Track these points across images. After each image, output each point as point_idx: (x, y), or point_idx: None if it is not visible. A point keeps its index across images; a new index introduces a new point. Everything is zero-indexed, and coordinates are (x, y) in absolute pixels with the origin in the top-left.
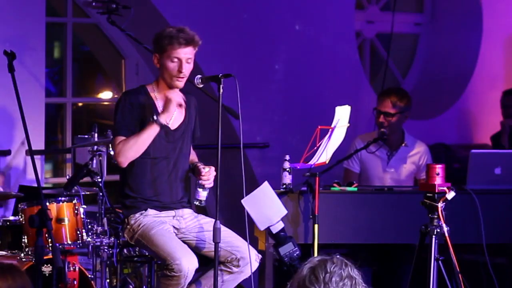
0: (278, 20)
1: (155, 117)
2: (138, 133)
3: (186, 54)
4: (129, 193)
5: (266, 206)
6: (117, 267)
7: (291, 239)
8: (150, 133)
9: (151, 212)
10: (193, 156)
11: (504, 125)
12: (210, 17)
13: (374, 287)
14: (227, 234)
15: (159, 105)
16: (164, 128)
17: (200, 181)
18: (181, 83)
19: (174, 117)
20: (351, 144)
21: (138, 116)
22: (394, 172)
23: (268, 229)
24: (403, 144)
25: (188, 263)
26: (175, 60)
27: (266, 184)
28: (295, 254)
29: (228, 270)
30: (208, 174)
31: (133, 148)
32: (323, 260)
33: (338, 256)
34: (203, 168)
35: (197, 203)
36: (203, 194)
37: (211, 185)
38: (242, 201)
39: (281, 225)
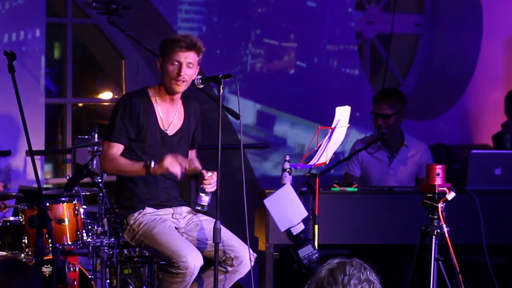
0: (278, 21)
1: (151, 164)
2: (129, 164)
3: (186, 58)
4: (125, 194)
5: (287, 207)
6: (117, 268)
7: (310, 242)
8: (137, 172)
9: (149, 210)
10: (197, 164)
11: (507, 126)
12: (210, 17)
13: None
14: (222, 233)
15: (159, 109)
16: (160, 134)
17: (202, 186)
18: (180, 88)
19: (172, 124)
20: (351, 148)
21: (137, 119)
22: (396, 174)
23: (288, 231)
24: (403, 145)
25: (194, 260)
26: (175, 63)
27: (288, 185)
28: (314, 257)
29: (223, 269)
30: (211, 179)
31: (116, 172)
32: (342, 262)
33: (357, 260)
34: (206, 172)
35: (199, 208)
36: (205, 199)
37: (213, 189)
38: (264, 201)
39: (301, 227)
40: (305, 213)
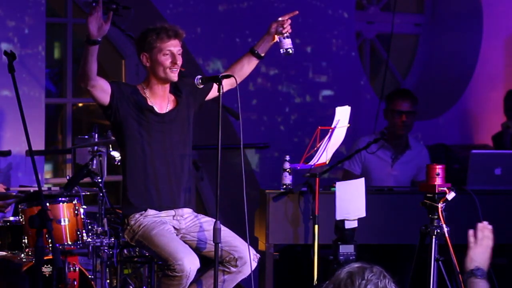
0: None
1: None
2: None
3: (176, 47)
4: (128, 193)
5: (351, 200)
6: (117, 268)
7: (355, 243)
8: (86, 50)
9: (151, 212)
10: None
11: (507, 126)
12: (210, 18)
13: None
14: (225, 233)
15: (152, 102)
16: (155, 114)
17: (279, 30)
18: (175, 76)
19: (166, 107)
20: (353, 145)
21: (128, 102)
22: (397, 175)
23: (341, 222)
24: (409, 148)
25: (190, 263)
26: (167, 52)
27: (362, 180)
28: (351, 258)
29: (226, 270)
30: (284, 21)
31: (82, 67)
32: (362, 267)
33: (378, 267)
34: (273, 22)
35: (289, 51)
36: (288, 42)
37: (290, 30)
38: (337, 183)
39: (355, 224)
40: (363, 214)
